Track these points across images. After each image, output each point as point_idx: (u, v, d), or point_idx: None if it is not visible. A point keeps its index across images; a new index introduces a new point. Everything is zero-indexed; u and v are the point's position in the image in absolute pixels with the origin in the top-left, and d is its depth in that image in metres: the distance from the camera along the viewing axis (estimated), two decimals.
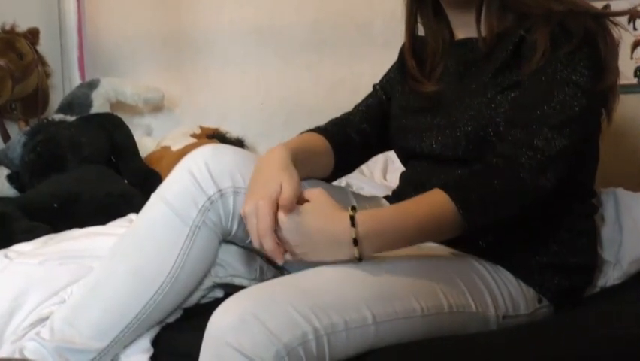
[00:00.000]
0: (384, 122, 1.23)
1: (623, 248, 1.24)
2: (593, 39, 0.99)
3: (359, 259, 0.90)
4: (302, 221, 0.90)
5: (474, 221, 0.93)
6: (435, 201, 0.94)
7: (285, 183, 0.92)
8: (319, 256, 0.91)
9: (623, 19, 1.68)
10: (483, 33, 1.07)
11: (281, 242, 0.91)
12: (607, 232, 1.26)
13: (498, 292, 1.02)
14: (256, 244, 0.92)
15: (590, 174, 1.12)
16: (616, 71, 1.04)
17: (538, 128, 0.96)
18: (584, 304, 1.11)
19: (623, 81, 1.73)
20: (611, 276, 1.21)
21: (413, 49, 1.19)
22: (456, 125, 1.05)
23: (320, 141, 1.16)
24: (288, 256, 0.92)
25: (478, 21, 1.08)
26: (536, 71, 0.99)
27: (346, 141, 1.19)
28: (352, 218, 0.89)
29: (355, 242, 0.89)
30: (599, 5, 1.06)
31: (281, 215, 0.90)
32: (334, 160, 1.16)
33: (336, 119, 1.24)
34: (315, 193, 0.93)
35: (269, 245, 0.90)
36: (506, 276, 1.04)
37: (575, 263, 1.06)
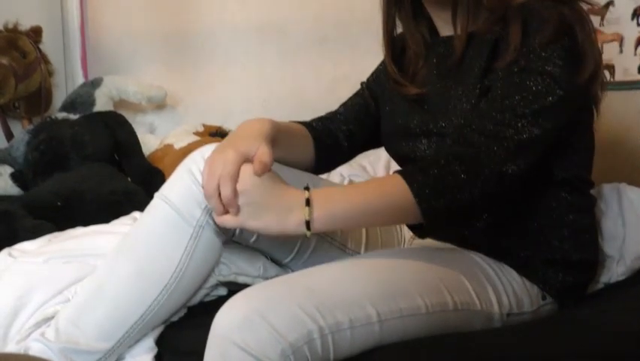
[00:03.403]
0: (370, 121, 1.22)
1: (626, 243, 1.23)
2: (570, 28, 0.96)
3: (308, 228, 0.89)
4: (261, 182, 0.90)
5: (427, 204, 0.90)
6: (387, 182, 0.94)
7: (262, 147, 0.93)
8: (265, 222, 0.90)
9: (626, 15, 1.67)
10: (458, 31, 1.05)
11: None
12: (610, 227, 1.25)
13: (502, 290, 1.02)
14: (209, 191, 0.91)
15: (584, 165, 1.09)
16: (597, 59, 1.00)
17: (509, 118, 0.94)
18: (588, 300, 1.10)
19: (627, 77, 1.73)
20: (614, 272, 1.21)
21: (393, 53, 1.17)
22: (444, 133, 1.04)
23: (302, 130, 1.17)
24: (228, 217, 0.91)
25: (454, 18, 1.05)
26: (510, 63, 0.97)
27: (330, 138, 1.20)
28: (307, 188, 0.91)
29: (307, 202, 0.89)
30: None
31: (245, 168, 0.90)
32: (316, 155, 1.17)
33: (322, 116, 1.25)
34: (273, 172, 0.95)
35: (227, 192, 0.89)
36: (510, 273, 1.04)
37: (577, 259, 1.05)
